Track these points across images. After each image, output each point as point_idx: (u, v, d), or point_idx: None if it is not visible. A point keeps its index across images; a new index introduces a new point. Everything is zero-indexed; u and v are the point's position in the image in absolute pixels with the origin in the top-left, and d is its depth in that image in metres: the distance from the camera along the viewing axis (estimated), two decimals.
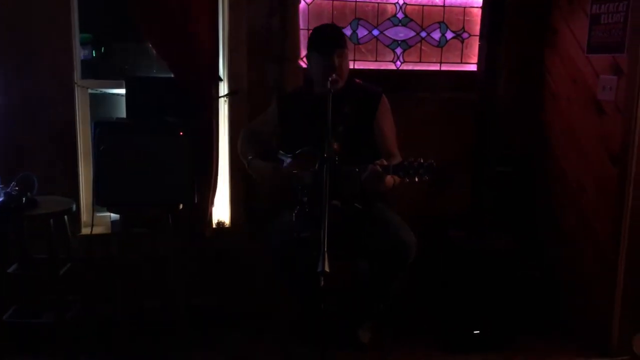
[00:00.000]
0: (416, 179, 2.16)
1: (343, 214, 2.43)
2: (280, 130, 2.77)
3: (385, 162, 2.29)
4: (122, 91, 2.87)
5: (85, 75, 3.02)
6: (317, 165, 2.36)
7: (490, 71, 3.17)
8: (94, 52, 3.19)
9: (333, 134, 2.44)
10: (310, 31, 2.71)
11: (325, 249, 1.86)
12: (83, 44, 3.06)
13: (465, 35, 3.38)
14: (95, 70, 3.12)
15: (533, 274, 3.22)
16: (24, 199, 2.55)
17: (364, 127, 2.61)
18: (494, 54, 3.15)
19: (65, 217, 2.68)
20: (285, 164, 2.57)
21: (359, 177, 2.33)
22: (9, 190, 2.55)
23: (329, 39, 2.54)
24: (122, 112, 2.86)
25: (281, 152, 2.66)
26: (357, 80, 2.70)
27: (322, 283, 1.85)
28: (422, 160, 2.17)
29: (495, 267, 2.90)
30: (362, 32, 3.24)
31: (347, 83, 2.63)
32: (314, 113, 2.47)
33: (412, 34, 3.31)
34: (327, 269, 1.81)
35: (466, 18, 3.36)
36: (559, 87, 3.17)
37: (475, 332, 2.89)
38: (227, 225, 3.18)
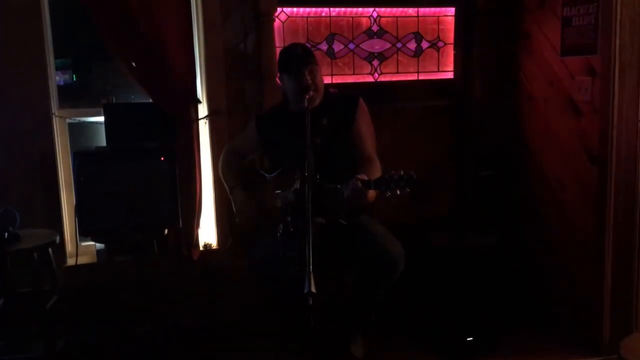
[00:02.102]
0: (398, 192, 2.16)
1: (328, 230, 2.43)
2: (260, 149, 2.77)
3: (365, 177, 2.29)
4: (102, 119, 2.86)
5: (65, 99, 3.00)
6: (298, 184, 2.36)
7: (466, 77, 3.22)
8: (74, 76, 3.17)
9: (311, 147, 2.44)
10: (279, 51, 2.72)
11: (311, 269, 1.86)
12: (62, 69, 3.04)
13: (440, 44, 3.40)
14: (76, 95, 3.10)
15: (520, 273, 3.24)
16: (5, 234, 2.52)
17: (343, 136, 2.62)
18: (469, 61, 3.19)
19: (50, 249, 2.66)
20: (268, 181, 2.58)
21: (341, 193, 2.33)
22: None
23: (296, 59, 2.54)
24: (103, 139, 2.85)
25: (261, 170, 2.67)
26: (332, 90, 2.70)
27: (310, 302, 1.85)
28: (402, 172, 2.17)
29: (480, 268, 2.91)
30: (338, 47, 3.25)
31: (324, 96, 2.64)
32: (293, 130, 2.48)
33: (388, 45, 3.33)
34: (313, 289, 1.81)
35: (440, 27, 3.39)
36: (535, 90, 3.20)
37: (468, 339, 2.89)
38: (214, 247, 3.16)
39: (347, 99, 2.67)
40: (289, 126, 2.58)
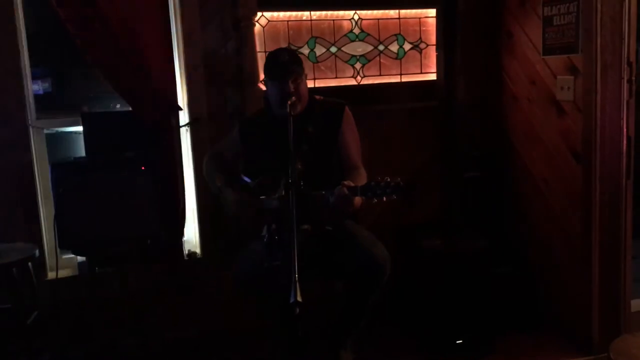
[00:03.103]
0: (384, 199, 2.14)
1: (314, 237, 2.39)
2: (243, 154, 2.73)
3: (352, 184, 2.26)
4: (80, 128, 2.80)
5: (44, 109, 2.93)
6: (282, 191, 2.33)
7: (449, 79, 3.20)
8: (51, 85, 3.10)
9: (297, 155, 2.41)
10: (266, 54, 2.69)
11: (297, 278, 1.82)
12: (40, 77, 2.98)
13: (422, 45, 3.39)
14: (54, 104, 3.04)
15: (509, 274, 3.22)
16: None
17: (329, 144, 2.59)
18: (452, 62, 3.18)
19: (29, 263, 2.59)
20: (251, 187, 2.54)
21: (327, 199, 2.30)
22: None
23: (281, 65, 2.49)
24: (82, 149, 2.79)
25: (244, 177, 2.62)
26: (318, 97, 2.67)
27: (297, 312, 1.82)
28: (388, 179, 2.15)
29: (471, 270, 2.90)
30: (320, 50, 3.22)
31: (308, 102, 2.60)
32: (276, 136, 2.44)
33: (370, 48, 3.31)
34: (299, 298, 1.78)
35: (422, 28, 3.37)
36: (518, 89, 3.20)
37: (457, 342, 2.88)
38: (198, 256, 3.11)
39: (333, 106, 2.64)
40: (272, 132, 2.54)
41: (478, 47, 3.35)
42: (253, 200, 2.51)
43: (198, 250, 3.13)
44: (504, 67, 3.28)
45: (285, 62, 2.49)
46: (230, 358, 2.91)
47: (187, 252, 3.09)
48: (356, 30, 3.27)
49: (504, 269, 3.18)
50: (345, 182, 2.27)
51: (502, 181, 3.37)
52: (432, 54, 3.40)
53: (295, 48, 3.16)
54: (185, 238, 3.05)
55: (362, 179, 2.44)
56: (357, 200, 2.30)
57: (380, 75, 3.34)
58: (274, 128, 2.54)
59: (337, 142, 2.59)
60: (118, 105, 3.07)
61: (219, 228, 3.00)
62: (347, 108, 2.65)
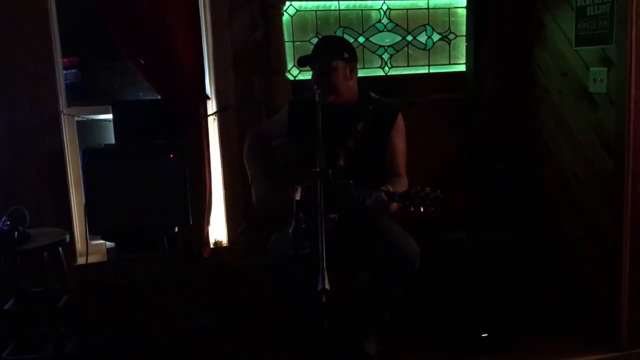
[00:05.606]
0: (422, 209, 2.13)
1: (342, 227, 2.39)
2: (287, 134, 2.73)
3: (390, 188, 2.25)
4: (110, 116, 2.83)
5: (74, 98, 2.97)
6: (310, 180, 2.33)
7: (478, 70, 3.17)
8: (81, 75, 3.14)
9: (342, 149, 2.40)
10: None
11: (324, 266, 1.82)
12: (69, 67, 3.02)
13: (451, 36, 3.35)
14: (84, 94, 3.08)
15: (533, 270, 3.18)
16: (15, 233, 2.50)
17: (376, 146, 2.57)
18: (481, 53, 3.14)
19: (60, 248, 2.64)
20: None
21: (352, 188, 2.30)
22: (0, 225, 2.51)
23: (315, 51, 2.51)
24: (112, 137, 2.83)
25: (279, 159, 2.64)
26: (374, 96, 2.65)
27: (324, 300, 1.81)
28: (428, 190, 2.14)
29: (494, 265, 2.87)
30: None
31: (362, 98, 2.59)
32: (323, 124, 2.42)
33: (398, 38, 3.28)
34: (327, 286, 1.77)
35: (452, 19, 3.33)
36: (549, 82, 3.14)
37: (483, 335, 2.85)
38: (224, 244, 3.13)
39: (387, 109, 2.62)
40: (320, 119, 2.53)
41: (508, 38, 3.29)
42: (279, 195, 2.52)
43: (224, 239, 3.15)
44: (534, 58, 3.23)
45: (320, 48, 2.52)
46: (254, 347, 2.93)
47: (213, 240, 3.11)
48: (384, 21, 3.24)
49: (527, 265, 3.14)
50: (384, 188, 2.27)
51: (529, 175, 3.32)
52: (460, 45, 3.36)
53: None
54: (211, 226, 3.07)
55: (403, 187, 2.41)
56: (394, 206, 2.30)
57: (408, 66, 3.31)
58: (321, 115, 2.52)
59: (384, 146, 2.58)
60: (140, 94, 3.10)
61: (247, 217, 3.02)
62: (400, 115, 2.63)
